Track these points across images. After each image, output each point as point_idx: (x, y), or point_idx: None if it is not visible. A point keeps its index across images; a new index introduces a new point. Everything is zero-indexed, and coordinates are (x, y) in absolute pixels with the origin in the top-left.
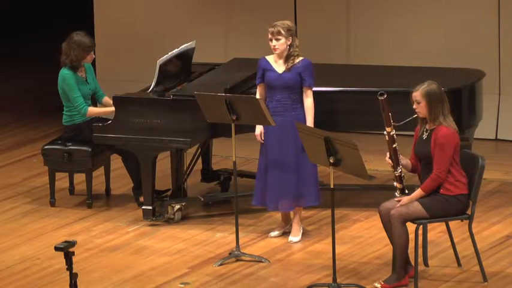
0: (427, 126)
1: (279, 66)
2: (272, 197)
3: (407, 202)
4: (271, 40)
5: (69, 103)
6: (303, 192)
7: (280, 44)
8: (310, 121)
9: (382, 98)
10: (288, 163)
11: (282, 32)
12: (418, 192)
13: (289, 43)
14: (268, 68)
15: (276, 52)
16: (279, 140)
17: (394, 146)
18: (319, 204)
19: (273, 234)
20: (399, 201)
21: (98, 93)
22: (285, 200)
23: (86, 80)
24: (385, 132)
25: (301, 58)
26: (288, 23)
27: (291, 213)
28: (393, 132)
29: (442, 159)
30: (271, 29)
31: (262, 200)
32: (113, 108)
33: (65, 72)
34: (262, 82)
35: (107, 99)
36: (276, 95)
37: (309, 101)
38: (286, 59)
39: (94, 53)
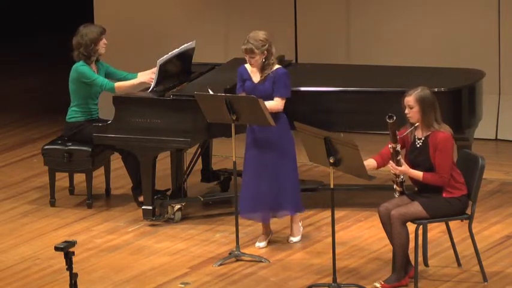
0: (419, 134)
1: (255, 76)
2: (248, 207)
3: (403, 172)
4: (246, 56)
5: (77, 99)
6: (282, 203)
7: (255, 60)
8: (265, 104)
9: (391, 121)
10: (265, 175)
11: (255, 50)
12: (418, 173)
13: (264, 57)
14: (246, 77)
15: (253, 67)
16: (256, 152)
17: (398, 158)
18: (301, 212)
19: (261, 245)
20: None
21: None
22: (261, 212)
23: None
24: (389, 146)
25: (276, 67)
26: (261, 36)
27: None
28: (398, 147)
29: (445, 163)
30: (243, 47)
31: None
32: (139, 80)
33: (79, 65)
34: (243, 91)
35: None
36: None
37: (273, 103)
38: (262, 70)
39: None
